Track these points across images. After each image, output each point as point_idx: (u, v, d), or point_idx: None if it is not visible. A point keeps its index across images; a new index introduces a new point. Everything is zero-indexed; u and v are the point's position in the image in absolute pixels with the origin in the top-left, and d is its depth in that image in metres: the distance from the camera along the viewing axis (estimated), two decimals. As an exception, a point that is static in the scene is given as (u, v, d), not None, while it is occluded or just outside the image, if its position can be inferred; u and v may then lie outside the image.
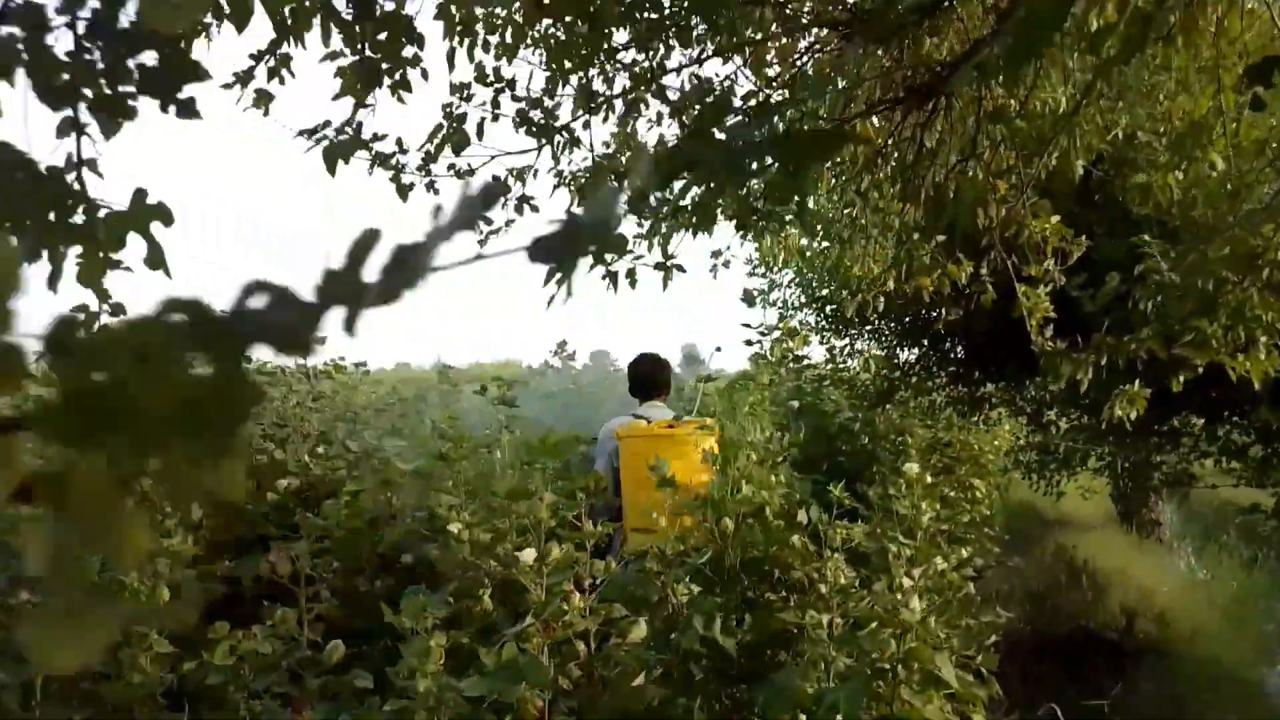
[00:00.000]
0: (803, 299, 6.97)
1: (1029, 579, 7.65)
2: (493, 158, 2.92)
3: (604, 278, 2.92)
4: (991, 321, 5.34)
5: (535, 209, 3.10)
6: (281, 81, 2.48)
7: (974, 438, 7.69)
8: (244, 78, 2.51)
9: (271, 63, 2.43)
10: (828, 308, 6.68)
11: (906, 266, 3.41)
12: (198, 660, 3.03)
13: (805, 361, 6.12)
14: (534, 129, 2.84)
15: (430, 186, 2.84)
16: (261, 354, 0.41)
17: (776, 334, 3.77)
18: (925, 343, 6.85)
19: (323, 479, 4.52)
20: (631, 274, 2.95)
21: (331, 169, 2.46)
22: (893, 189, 3.31)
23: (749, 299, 3.97)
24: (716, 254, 3.87)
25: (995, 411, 7.18)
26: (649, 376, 4.54)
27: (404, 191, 2.72)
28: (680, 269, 3.02)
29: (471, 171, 2.87)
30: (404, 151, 2.76)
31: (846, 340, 6.65)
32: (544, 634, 2.34)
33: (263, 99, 2.55)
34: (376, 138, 2.62)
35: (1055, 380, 2.97)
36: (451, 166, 2.85)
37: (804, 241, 4.63)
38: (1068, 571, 8.08)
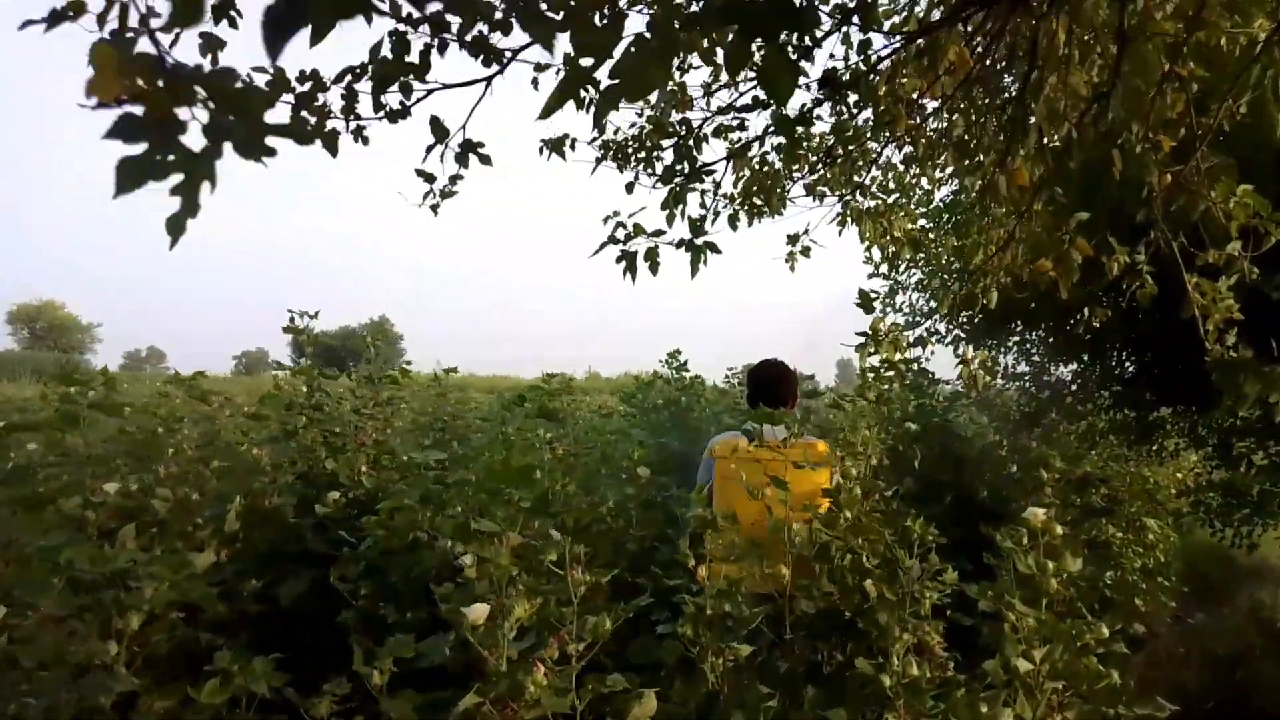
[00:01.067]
0: (931, 304, 6.11)
1: (1213, 641, 6.40)
2: (429, 92, 2.40)
3: (618, 260, 2.37)
4: (1163, 328, 4.37)
5: (486, 160, 2.57)
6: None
7: (1146, 470, 6.58)
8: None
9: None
10: (962, 314, 5.82)
11: (1023, 246, 2.65)
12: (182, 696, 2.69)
13: (932, 376, 5.30)
14: (490, 53, 2.29)
15: (358, 134, 2.37)
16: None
17: (882, 341, 3.06)
18: (1085, 357, 5.85)
19: (374, 493, 4.19)
20: (652, 256, 2.37)
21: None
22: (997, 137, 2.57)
23: (865, 303, 3.29)
24: (793, 239, 3.21)
25: (1171, 441, 6.06)
26: (767, 386, 3.88)
27: (331, 143, 2.25)
28: (713, 248, 2.41)
29: (406, 111, 2.37)
30: (323, 89, 2.30)
31: (985, 352, 5.74)
32: (500, 717, 1.79)
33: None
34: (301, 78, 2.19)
35: (1236, 401, 2.15)
36: (382, 108, 2.37)
37: (916, 225, 3.90)
38: (1264, 634, 6.73)
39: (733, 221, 3.44)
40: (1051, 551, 2.72)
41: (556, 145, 2.90)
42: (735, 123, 2.95)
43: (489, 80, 2.31)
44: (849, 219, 3.70)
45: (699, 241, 2.46)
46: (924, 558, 2.71)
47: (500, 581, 1.94)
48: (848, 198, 3.62)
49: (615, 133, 3.05)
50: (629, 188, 2.88)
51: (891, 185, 4.97)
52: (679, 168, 2.65)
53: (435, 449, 4.07)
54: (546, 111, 1.04)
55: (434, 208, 2.63)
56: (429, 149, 2.41)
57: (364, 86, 2.29)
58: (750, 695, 2.25)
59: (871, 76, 2.82)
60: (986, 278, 3.00)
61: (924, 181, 5.24)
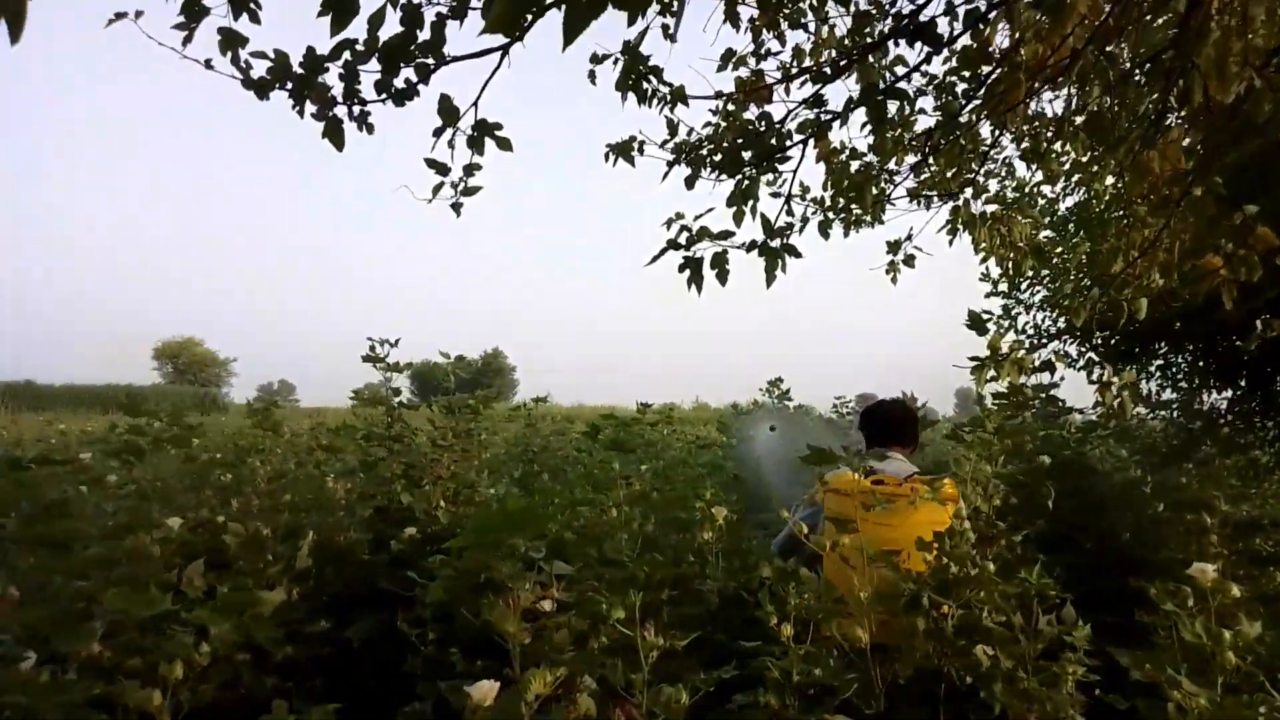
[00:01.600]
0: (1060, 323, 5.49)
1: None
2: (433, 68, 2.07)
3: (681, 269, 2.06)
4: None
5: (505, 144, 2.27)
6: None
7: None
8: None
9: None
10: (1096, 336, 5.21)
11: (1179, 243, 2.19)
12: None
13: (1063, 404, 4.74)
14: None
15: (362, 121, 2.11)
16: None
17: (1003, 363, 2.64)
18: (1242, 383, 5.15)
19: (451, 529, 3.98)
20: (720, 262, 2.05)
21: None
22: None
23: (976, 323, 2.88)
24: (893, 246, 2.83)
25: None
26: (890, 422, 3.71)
27: (335, 134, 2.01)
28: (792, 251, 2.06)
29: (413, 91, 2.09)
30: (322, 69, 2.05)
31: (1130, 372, 5.08)
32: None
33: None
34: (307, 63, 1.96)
35: None
36: (386, 88, 2.09)
37: (1040, 232, 3.41)
38: None
39: (824, 229, 3.08)
40: (1225, 615, 2.23)
41: (623, 150, 2.62)
42: (823, 115, 2.58)
43: (505, 49, 2.03)
44: (960, 225, 3.28)
45: (774, 244, 2.13)
46: (1056, 619, 2.27)
47: (513, 649, 1.65)
48: (961, 198, 3.19)
49: (689, 134, 2.76)
50: (689, 181, 2.54)
51: (1010, 185, 4.50)
52: (746, 157, 2.32)
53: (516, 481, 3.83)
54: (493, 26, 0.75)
55: (455, 206, 2.38)
56: (437, 132, 2.16)
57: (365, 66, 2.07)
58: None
59: (981, 28, 2.42)
60: (1131, 285, 2.54)
61: (1045, 184, 4.74)
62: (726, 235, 2.17)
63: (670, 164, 2.65)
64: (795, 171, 2.51)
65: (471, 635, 3.33)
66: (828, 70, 2.55)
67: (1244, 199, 2.46)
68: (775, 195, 2.98)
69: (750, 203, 2.32)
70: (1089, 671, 2.24)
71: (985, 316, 5.04)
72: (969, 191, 3.19)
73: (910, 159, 3.04)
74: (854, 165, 2.94)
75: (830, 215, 3.10)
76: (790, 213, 3.03)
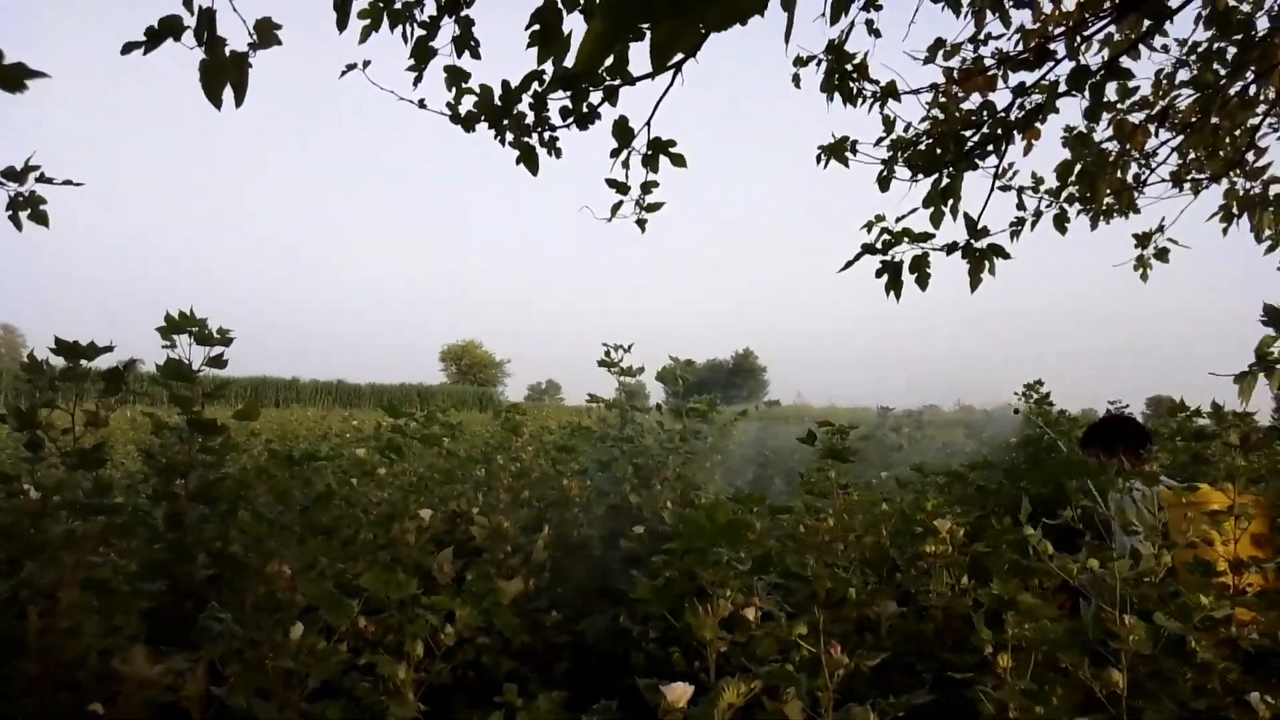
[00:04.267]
0: None
1: None
2: (618, 86, 2.05)
3: (879, 274, 1.95)
4: None
5: (679, 161, 2.19)
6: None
7: None
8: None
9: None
10: None
11: None
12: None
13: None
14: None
15: (551, 145, 2.13)
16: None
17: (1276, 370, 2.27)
18: None
19: (675, 529, 4.05)
20: (920, 265, 1.91)
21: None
22: None
23: (1275, 318, 2.51)
24: (1143, 239, 2.50)
25: None
26: (1144, 433, 3.70)
27: (530, 161, 2.06)
28: (1000, 252, 1.88)
29: (595, 114, 2.08)
30: (518, 99, 2.09)
31: None
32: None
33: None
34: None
35: None
36: (566, 112, 2.10)
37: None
38: None
39: (1059, 222, 2.77)
40: None
41: (836, 150, 2.53)
42: (1027, 103, 2.31)
43: (679, 67, 2.03)
44: (1234, 211, 2.83)
45: (980, 245, 1.96)
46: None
47: (709, 655, 1.65)
48: (1230, 181, 2.76)
49: (906, 130, 2.60)
50: (883, 183, 2.39)
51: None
52: (941, 153, 2.14)
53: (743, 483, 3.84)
54: (580, 65, 0.76)
55: (640, 223, 2.41)
56: (614, 153, 2.20)
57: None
58: None
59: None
60: None
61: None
62: (926, 237, 2.04)
63: (886, 163, 2.53)
64: (1002, 163, 2.30)
65: (693, 637, 3.40)
66: (1054, 49, 2.30)
67: None
68: (1005, 189, 2.75)
69: (950, 202, 2.15)
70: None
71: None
72: (1237, 173, 2.75)
73: (1165, 139, 2.68)
74: (1084, 153, 2.64)
75: (1065, 207, 2.80)
76: (1022, 206, 2.79)
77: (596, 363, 4.57)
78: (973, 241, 2.05)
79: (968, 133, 2.29)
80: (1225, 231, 2.95)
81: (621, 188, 2.36)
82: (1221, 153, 2.69)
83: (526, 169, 2.12)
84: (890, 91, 2.48)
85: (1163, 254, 2.95)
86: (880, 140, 2.58)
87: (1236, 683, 1.91)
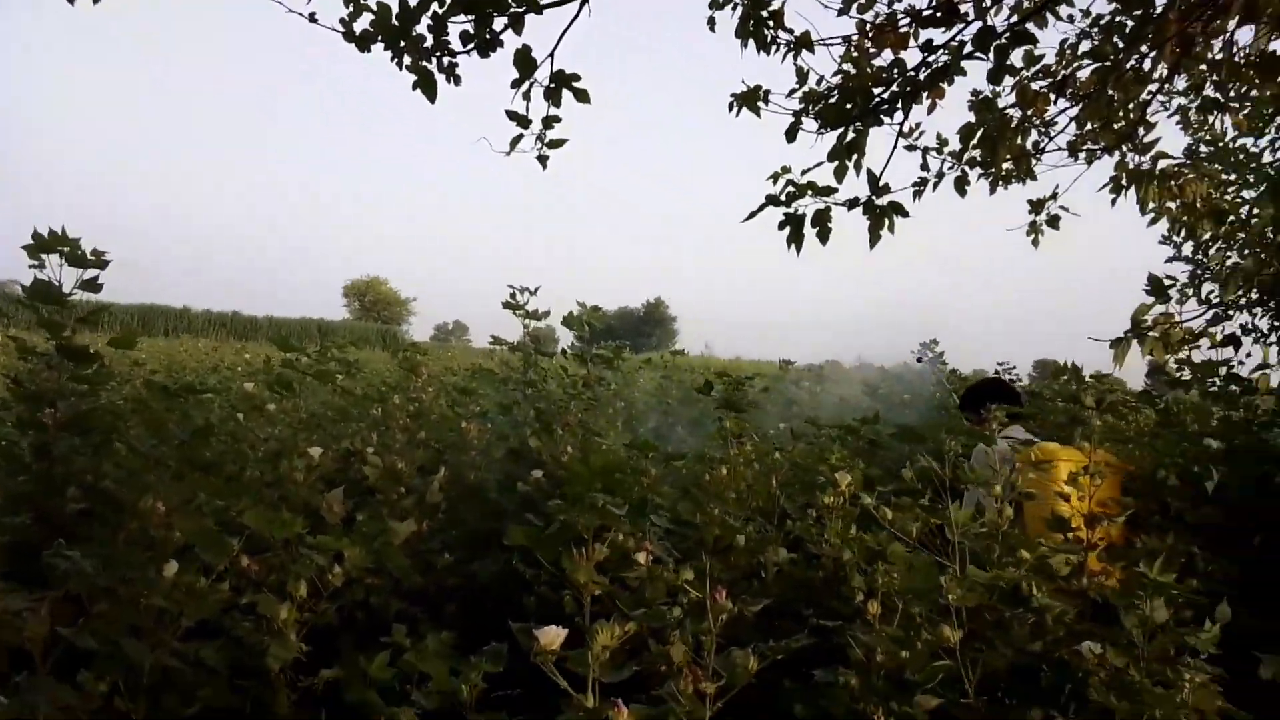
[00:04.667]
0: (1254, 294, 4.85)
1: None
2: (523, 12, 1.99)
3: (781, 226, 1.95)
4: None
5: (583, 96, 2.16)
6: None
7: None
8: None
9: None
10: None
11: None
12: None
13: (1250, 383, 4.25)
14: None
15: (450, 72, 2.06)
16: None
17: (1148, 337, 2.38)
18: None
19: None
20: (822, 220, 1.92)
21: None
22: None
23: (1157, 289, 2.63)
24: (1036, 206, 2.58)
25: None
26: (1014, 395, 4.02)
27: (428, 87, 1.96)
28: (899, 210, 1.91)
29: (496, 42, 2.01)
30: (415, 20, 1.99)
31: None
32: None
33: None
34: None
35: None
36: (467, 37, 2.02)
37: (1221, 190, 3.01)
38: None
39: (959, 185, 2.84)
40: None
41: (749, 99, 2.50)
42: (934, 64, 2.34)
43: None
44: (1124, 183, 2.95)
45: (880, 202, 1.98)
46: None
47: (585, 599, 1.66)
48: (1122, 153, 2.86)
49: (818, 82, 2.59)
50: (789, 134, 2.38)
51: (1203, 138, 4.03)
52: (850, 108, 2.14)
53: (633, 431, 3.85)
54: None
55: (541, 159, 2.36)
56: (515, 84, 2.13)
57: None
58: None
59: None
60: None
61: (1247, 136, 4.21)
62: (829, 191, 2.05)
63: (796, 114, 2.51)
64: (908, 121, 2.31)
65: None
66: (965, 10, 2.32)
67: None
68: (911, 148, 2.79)
69: (855, 157, 2.16)
70: (1225, 675, 2.04)
71: (1169, 282, 4.59)
72: (1129, 146, 2.86)
73: (1064, 108, 2.75)
74: (986, 118, 2.68)
75: (966, 170, 2.86)
76: (926, 167, 2.84)
77: (501, 304, 4.49)
78: (874, 198, 2.06)
79: (878, 89, 2.29)
80: (1114, 203, 3.08)
81: (522, 121, 2.28)
82: (1115, 125, 2.79)
83: (424, 95, 2.01)
84: (804, 42, 2.46)
85: (1054, 221, 3.05)
86: (793, 92, 2.56)
87: (1078, 629, 2.03)
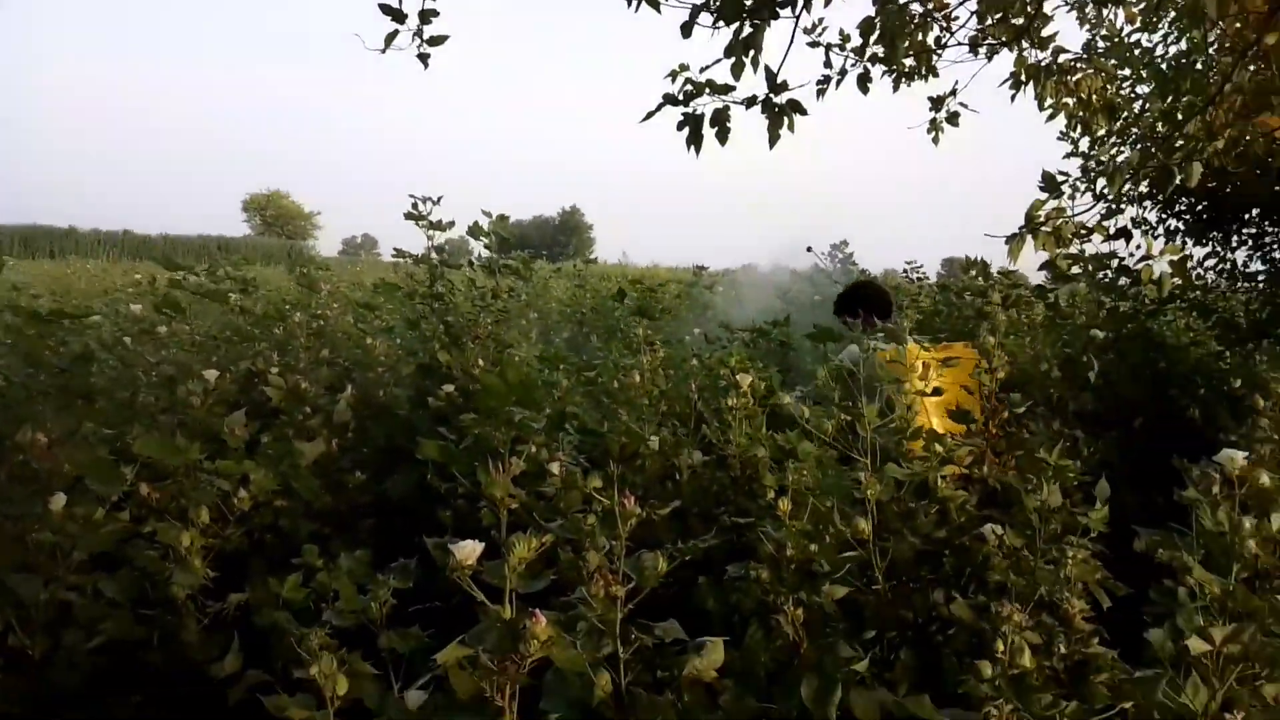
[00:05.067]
0: (1144, 188, 5.04)
1: None
2: None
3: (680, 126, 1.90)
4: None
5: None
6: None
7: None
8: None
9: None
10: (1180, 201, 4.81)
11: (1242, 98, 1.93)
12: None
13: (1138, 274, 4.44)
14: None
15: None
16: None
17: (1040, 232, 2.43)
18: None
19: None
20: (721, 119, 1.88)
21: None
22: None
23: (1050, 185, 2.68)
24: (936, 102, 2.58)
25: None
26: (885, 299, 4.14)
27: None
28: (798, 108, 1.88)
29: None
30: None
31: (1175, 244, 4.69)
32: (498, 668, 1.51)
33: None
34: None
35: None
36: None
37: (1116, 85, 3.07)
38: None
39: (862, 82, 2.81)
40: (1257, 502, 2.11)
41: None
42: None
43: None
44: (1023, 79, 2.97)
45: (779, 100, 1.94)
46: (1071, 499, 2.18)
47: (501, 513, 1.65)
48: (1021, 49, 2.87)
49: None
50: (685, 29, 2.27)
51: (1100, 34, 4.08)
52: (746, 0, 2.06)
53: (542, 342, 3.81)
54: None
55: (422, 58, 2.22)
56: None
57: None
58: (830, 659, 1.87)
59: None
60: (1187, 145, 2.27)
61: (1142, 31, 4.27)
62: (727, 89, 1.99)
63: (694, 9, 2.39)
64: (809, 16, 2.24)
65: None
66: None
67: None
68: (814, 45, 2.73)
69: (752, 53, 2.09)
70: (1107, 553, 2.17)
71: (1061, 178, 4.69)
72: (1028, 40, 2.86)
73: (962, 1, 2.73)
74: (890, 9, 2.63)
75: (868, 67, 2.83)
76: (829, 64, 2.80)
77: (403, 215, 4.33)
78: (772, 96, 2.01)
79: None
80: (1014, 98, 3.11)
81: (396, 15, 2.12)
82: (1013, 19, 2.78)
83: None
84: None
85: (954, 118, 3.06)
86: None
87: (980, 516, 2.12)
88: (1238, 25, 2.09)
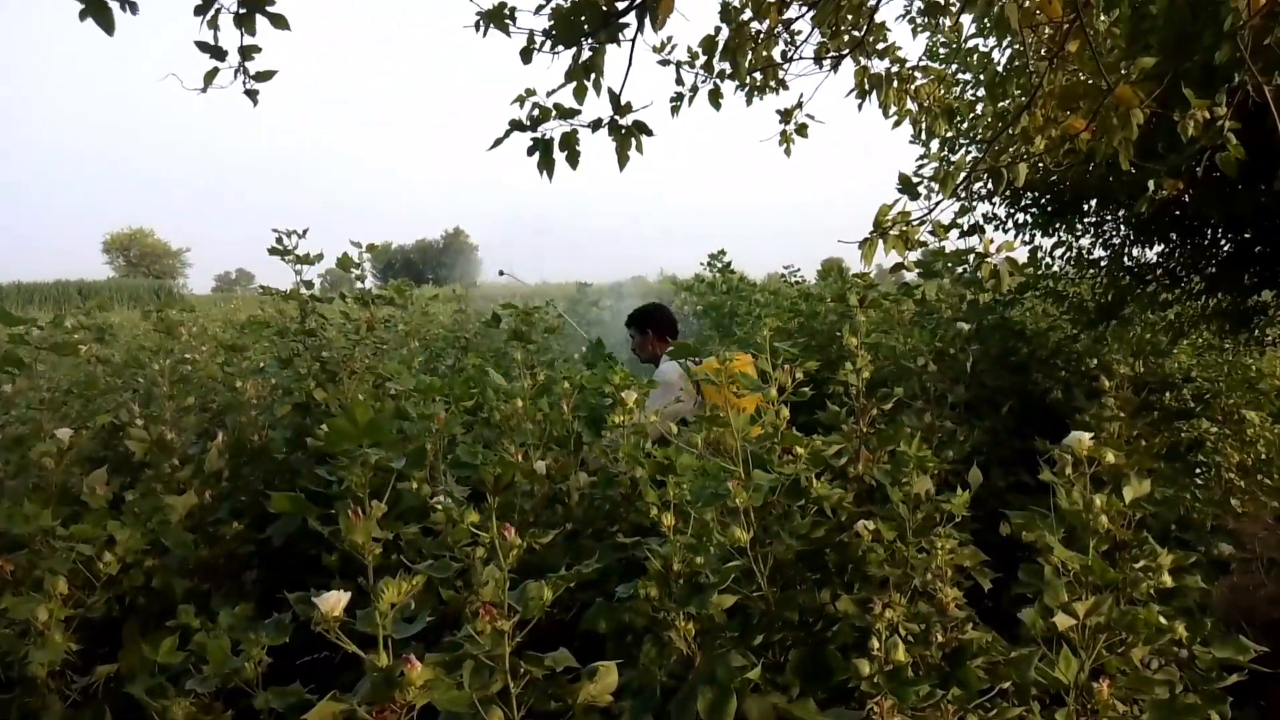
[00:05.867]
0: (990, 185, 5.36)
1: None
2: None
3: (530, 152, 1.90)
4: (1264, 201, 3.70)
5: (280, 22, 2.00)
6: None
7: (1247, 357, 5.87)
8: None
9: None
10: (1025, 196, 5.11)
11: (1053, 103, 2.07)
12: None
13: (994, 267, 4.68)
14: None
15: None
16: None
17: (889, 235, 2.53)
18: (1173, 236, 5.12)
19: (369, 423, 3.90)
20: (570, 143, 1.89)
21: None
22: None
23: (907, 187, 2.79)
24: (785, 115, 2.66)
25: (1275, 329, 5.35)
26: (672, 320, 4.74)
27: (101, 15, 1.77)
28: (643, 129, 1.91)
29: None
30: None
31: (1012, 240, 4.99)
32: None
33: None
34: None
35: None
36: None
37: (954, 90, 3.25)
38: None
39: (714, 98, 2.88)
40: (1110, 477, 2.25)
41: (495, 16, 2.35)
42: None
43: None
44: (866, 88, 3.10)
45: (624, 122, 1.96)
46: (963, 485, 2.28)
47: (367, 560, 1.61)
48: (863, 60, 3.00)
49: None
50: (525, 54, 2.28)
51: (939, 42, 4.29)
52: (582, 21, 2.08)
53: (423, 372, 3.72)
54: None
55: (250, 94, 2.15)
56: (198, 11, 1.92)
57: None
58: (724, 668, 1.89)
59: None
60: (1013, 146, 2.42)
61: (978, 37, 4.53)
62: (573, 113, 2.00)
63: (533, 34, 2.37)
64: (649, 35, 2.28)
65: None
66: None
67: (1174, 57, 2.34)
68: (665, 63, 2.78)
69: (594, 76, 2.11)
70: (975, 537, 2.28)
71: (918, 180, 4.88)
72: (866, 51, 2.99)
73: (801, 14, 2.82)
74: (725, 30, 2.71)
75: (718, 83, 2.90)
76: (680, 81, 2.85)
77: (267, 251, 4.18)
78: (617, 118, 2.03)
79: (615, 1, 2.22)
80: (860, 107, 3.24)
81: (216, 52, 2.03)
82: (845, 32, 2.91)
83: (99, 26, 1.72)
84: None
85: (802, 129, 3.17)
86: (540, 8, 2.44)
87: (855, 512, 2.19)
88: (1048, 32, 2.24)
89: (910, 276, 4.30)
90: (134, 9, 1.73)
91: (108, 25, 1.68)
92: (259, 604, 2.77)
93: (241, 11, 1.89)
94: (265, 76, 2.10)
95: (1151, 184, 2.43)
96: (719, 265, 7.70)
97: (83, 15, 1.66)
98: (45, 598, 2.36)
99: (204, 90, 2.05)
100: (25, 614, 2.33)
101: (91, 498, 2.97)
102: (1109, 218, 5.23)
